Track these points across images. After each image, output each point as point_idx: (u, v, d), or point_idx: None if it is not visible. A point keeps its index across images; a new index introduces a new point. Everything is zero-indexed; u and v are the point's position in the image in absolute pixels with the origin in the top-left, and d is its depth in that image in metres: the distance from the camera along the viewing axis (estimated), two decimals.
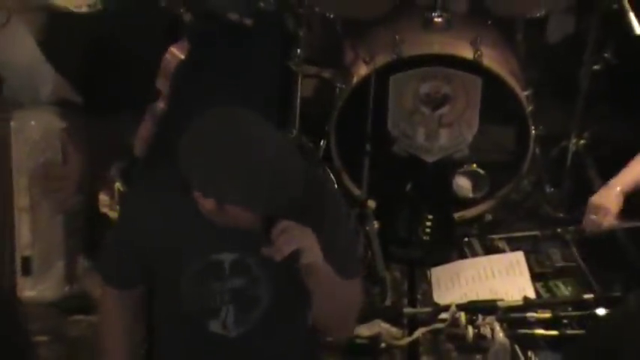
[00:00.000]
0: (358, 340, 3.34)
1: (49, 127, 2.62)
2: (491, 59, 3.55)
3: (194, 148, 1.89)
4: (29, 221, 2.66)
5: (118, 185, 3.57)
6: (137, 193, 2.50)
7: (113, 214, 3.56)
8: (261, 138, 1.89)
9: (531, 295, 3.43)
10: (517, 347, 3.30)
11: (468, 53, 3.52)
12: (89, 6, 3.25)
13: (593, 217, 2.93)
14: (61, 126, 2.68)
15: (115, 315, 2.28)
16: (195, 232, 2.05)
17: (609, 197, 2.91)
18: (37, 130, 2.65)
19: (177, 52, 3.55)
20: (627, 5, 3.45)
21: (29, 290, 2.84)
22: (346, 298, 2.17)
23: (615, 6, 3.47)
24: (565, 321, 3.35)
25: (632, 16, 3.44)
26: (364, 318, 3.38)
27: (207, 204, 1.86)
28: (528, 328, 3.38)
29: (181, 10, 3.55)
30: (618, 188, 2.90)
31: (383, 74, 3.61)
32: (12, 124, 2.59)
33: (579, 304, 3.41)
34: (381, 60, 3.57)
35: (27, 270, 2.74)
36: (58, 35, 2.92)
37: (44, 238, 2.72)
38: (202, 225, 2.00)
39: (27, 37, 2.70)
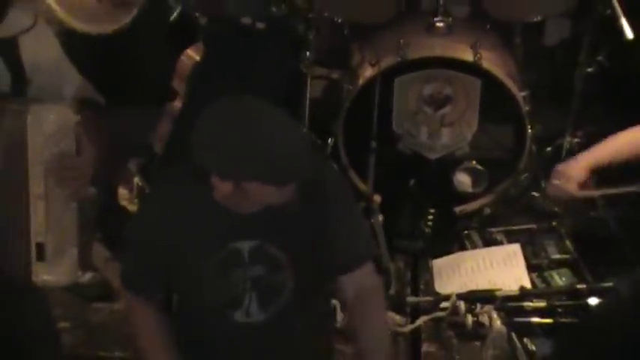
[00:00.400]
0: None
1: (64, 121, 2.58)
2: (491, 62, 3.61)
3: (208, 134, 1.91)
4: (44, 209, 2.59)
5: (137, 180, 3.66)
6: (155, 191, 2.54)
7: (132, 207, 3.66)
8: (270, 115, 1.93)
9: (527, 285, 3.50)
10: (514, 334, 3.35)
11: (468, 56, 3.57)
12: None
13: (556, 182, 2.99)
14: (75, 119, 2.77)
15: (150, 323, 2.28)
16: (213, 223, 2.06)
17: (574, 167, 2.97)
18: (52, 123, 2.64)
19: (193, 54, 3.64)
20: (620, 10, 3.54)
21: (43, 275, 2.79)
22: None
23: (609, 11, 3.56)
24: (559, 310, 3.40)
25: (624, 21, 3.52)
26: None
27: (225, 187, 1.87)
28: (524, 317, 3.42)
29: (197, 15, 3.71)
30: (585, 161, 2.95)
31: (388, 76, 3.67)
32: (29, 117, 2.64)
33: (573, 294, 3.43)
34: (387, 62, 3.62)
35: (41, 256, 2.64)
36: (78, 37, 3.05)
37: (58, 225, 2.64)
38: (219, 215, 2.03)
39: (52, 40, 2.78)
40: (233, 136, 1.88)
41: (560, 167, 3.06)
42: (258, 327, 2.16)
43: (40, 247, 2.58)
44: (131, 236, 2.32)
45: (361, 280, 2.22)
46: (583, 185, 3.04)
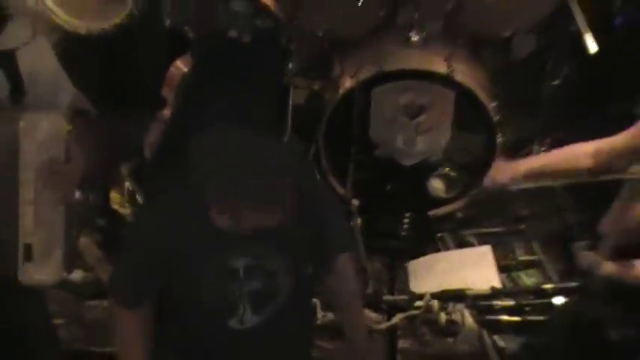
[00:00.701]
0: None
1: (56, 129, 2.58)
2: (464, 74, 3.72)
3: (203, 169, 1.97)
4: (32, 212, 2.63)
5: (128, 184, 3.79)
6: (155, 196, 2.56)
7: (124, 211, 3.75)
8: (259, 147, 2.00)
9: (497, 285, 3.62)
10: (484, 331, 3.60)
11: (442, 68, 3.70)
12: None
13: (492, 173, 3.13)
14: (67, 128, 2.83)
15: (130, 334, 2.32)
16: (209, 237, 2.10)
17: (510, 165, 3.09)
18: (45, 131, 2.67)
19: (181, 66, 3.78)
20: (584, 26, 3.71)
21: (32, 275, 2.84)
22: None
23: (573, 28, 3.74)
24: (527, 308, 3.62)
25: (588, 36, 3.70)
26: None
27: (222, 219, 1.94)
28: (494, 315, 3.65)
29: (186, 28, 3.84)
30: (519, 164, 3.06)
31: (366, 87, 3.81)
32: (21, 123, 2.68)
33: (540, 293, 3.64)
34: (365, 74, 3.73)
35: (28, 256, 2.71)
36: (75, 45, 3.14)
37: (45, 227, 2.70)
38: (215, 232, 2.06)
39: (49, 52, 2.88)
40: (233, 182, 1.94)
41: (497, 162, 3.28)
42: (251, 331, 2.21)
43: (28, 247, 2.64)
44: (130, 238, 2.37)
45: (342, 265, 2.36)
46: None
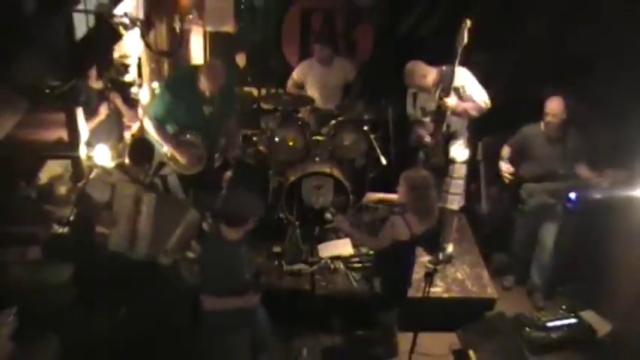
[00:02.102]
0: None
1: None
2: (338, 172, 6.88)
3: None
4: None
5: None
6: None
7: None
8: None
9: (352, 252, 6.83)
10: (349, 272, 6.67)
11: (328, 170, 6.90)
12: None
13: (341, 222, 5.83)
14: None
15: None
16: None
17: (344, 219, 5.96)
18: None
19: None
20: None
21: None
22: None
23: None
24: (363, 261, 6.72)
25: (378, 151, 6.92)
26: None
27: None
28: (351, 264, 6.75)
29: None
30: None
31: (299, 179, 6.85)
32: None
33: (368, 254, 6.70)
34: (299, 174, 6.89)
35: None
36: None
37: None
38: None
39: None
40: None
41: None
42: None
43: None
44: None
45: None
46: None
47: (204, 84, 6.02)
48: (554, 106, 6.27)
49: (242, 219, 4.80)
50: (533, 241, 6.94)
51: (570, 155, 6.29)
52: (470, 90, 6.32)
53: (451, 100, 6.27)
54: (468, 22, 5.87)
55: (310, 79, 7.69)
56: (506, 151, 6.68)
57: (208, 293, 4.94)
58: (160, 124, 6.19)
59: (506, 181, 6.63)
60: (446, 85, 6.25)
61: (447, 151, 6.56)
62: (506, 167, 6.65)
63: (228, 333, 5.13)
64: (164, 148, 6.19)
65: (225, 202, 5.32)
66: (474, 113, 6.37)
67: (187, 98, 6.10)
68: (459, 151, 6.64)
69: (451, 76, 6.19)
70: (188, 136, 6.26)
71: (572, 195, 6.07)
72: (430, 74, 6.34)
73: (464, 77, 6.34)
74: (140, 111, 7.29)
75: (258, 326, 5.45)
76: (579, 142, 6.27)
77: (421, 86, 6.38)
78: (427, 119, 6.59)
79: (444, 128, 6.45)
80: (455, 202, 6.84)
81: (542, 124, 6.41)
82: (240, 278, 4.86)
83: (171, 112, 6.13)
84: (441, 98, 6.28)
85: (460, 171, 6.72)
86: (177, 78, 6.63)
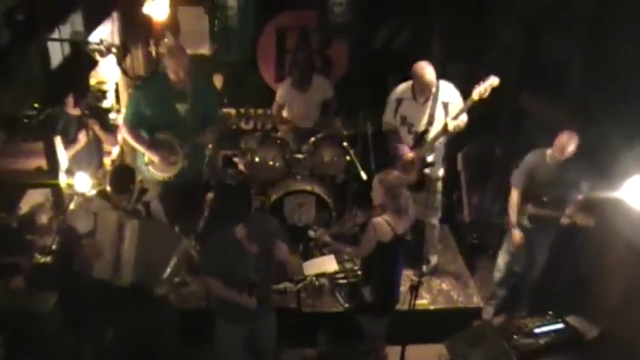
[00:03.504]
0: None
1: None
2: (320, 190, 7.02)
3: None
4: None
5: None
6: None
7: None
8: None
9: (336, 269, 6.85)
10: (335, 288, 6.72)
11: (309, 188, 7.06)
12: None
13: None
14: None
15: None
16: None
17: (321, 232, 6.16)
18: None
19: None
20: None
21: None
22: None
23: None
24: (348, 277, 6.80)
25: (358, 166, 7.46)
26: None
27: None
28: (337, 281, 6.79)
29: None
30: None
31: (281, 197, 7.03)
32: None
33: (351, 271, 6.78)
34: (282, 191, 7.03)
35: None
36: None
37: None
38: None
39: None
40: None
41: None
42: None
43: None
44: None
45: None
46: None
47: (170, 68, 6.09)
48: (563, 143, 6.08)
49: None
50: (512, 260, 6.93)
51: (566, 188, 6.21)
52: (454, 106, 6.40)
53: (462, 120, 6.36)
54: (496, 81, 6.01)
55: (290, 99, 7.76)
56: (515, 196, 6.50)
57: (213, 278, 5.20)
58: (132, 127, 6.27)
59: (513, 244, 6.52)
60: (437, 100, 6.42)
61: (422, 168, 6.60)
62: (519, 235, 6.52)
63: (223, 322, 5.38)
64: (144, 157, 6.32)
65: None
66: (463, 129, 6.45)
67: (159, 96, 6.19)
68: (435, 169, 6.72)
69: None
70: (162, 135, 6.31)
71: None
72: (434, 82, 6.31)
73: (451, 94, 6.46)
74: (119, 136, 7.34)
75: (259, 334, 5.59)
76: (579, 177, 6.15)
77: (426, 88, 6.35)
78: (404, 128, 6.60)
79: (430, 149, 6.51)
80: (434, 217, 6.91)
81: (547, 153, 6.23)
82: (244, 275, 5.10)
83: (143, 114, 6.22)
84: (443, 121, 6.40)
85: (436, 186, 6.77)
86: (149, 80, 6.69)
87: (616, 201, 4.83)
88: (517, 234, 6.39)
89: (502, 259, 6.88)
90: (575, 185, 6.07)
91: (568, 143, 5.94)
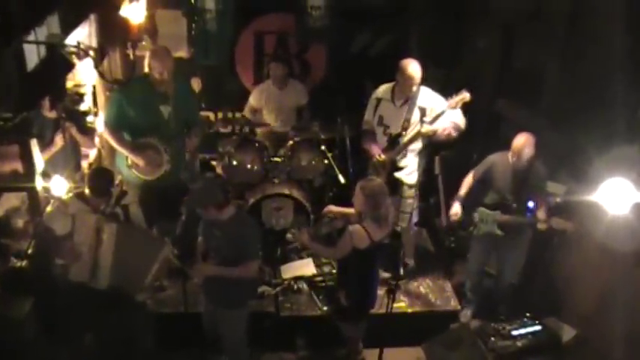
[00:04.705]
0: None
1: None
2: (297, 194, 7.05)
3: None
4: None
5: None
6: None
7: None
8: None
9: (314, 272, 6.87)
10: (312, 292, 6.77)
11: (287, 191, 7.01)
12: None
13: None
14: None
15: None
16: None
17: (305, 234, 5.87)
18: None
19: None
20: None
21: None
22: None
23: None
24: (325, 280, 6.81)
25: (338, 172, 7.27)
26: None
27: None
28: (314, 284, 6.80)
29: None
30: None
31: (259, 201, 7.03)
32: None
33: (328, 274, 6.81)
34: (259, 195, 7.02)
35: None
36: None
37: None
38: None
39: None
40: None
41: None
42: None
43: None
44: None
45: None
46: None
47: (154, 69, 6.02)
48: (519, 145, 6.07)
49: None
50: (482, 266, 6.95)
51: (530, 191, 6.21)
52: (434, 112, 6.42)
53: (438, 125, 6.39)
54: (467, 97, 6.06)
55: (266, 102, 7.77)
56: (469, 177, 6.59)
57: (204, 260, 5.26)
58: (114, 129, 6.21)
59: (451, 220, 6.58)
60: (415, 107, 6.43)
61: (392, 171, 6.61)
62: (455, 212, 6.55)
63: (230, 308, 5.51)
64: (127, 160, 6.26)
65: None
66: (454, 134, 6.48)
67: (142, 98, 6.14)
68: (407, 175, 6.73)
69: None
70: (145, 139, 6.26)
71: (531, 204, 6.14)
72: (416, 80, 6.33)
73: (430, 99, 6.45)
74: (97, 139, 7.34)
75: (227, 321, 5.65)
76: (541, 180, 6.18)
77: (406, 82, 6.36)
78: (380, 129, 6.61)
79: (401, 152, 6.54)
80: (404, 221, 6.89)
81: (509, 155, 6.19)
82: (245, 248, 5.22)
83: (126, 116, 6.16)
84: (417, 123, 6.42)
85: (409, 192, 6.79)
86: (131, 82, 6.65)
87: (590, 205, 4.82)
88: (456, 207, 6.51)
89: (471, 266, 6.96)
90: (539, 189, 6.09)
91: (525, 145, 5.92)
